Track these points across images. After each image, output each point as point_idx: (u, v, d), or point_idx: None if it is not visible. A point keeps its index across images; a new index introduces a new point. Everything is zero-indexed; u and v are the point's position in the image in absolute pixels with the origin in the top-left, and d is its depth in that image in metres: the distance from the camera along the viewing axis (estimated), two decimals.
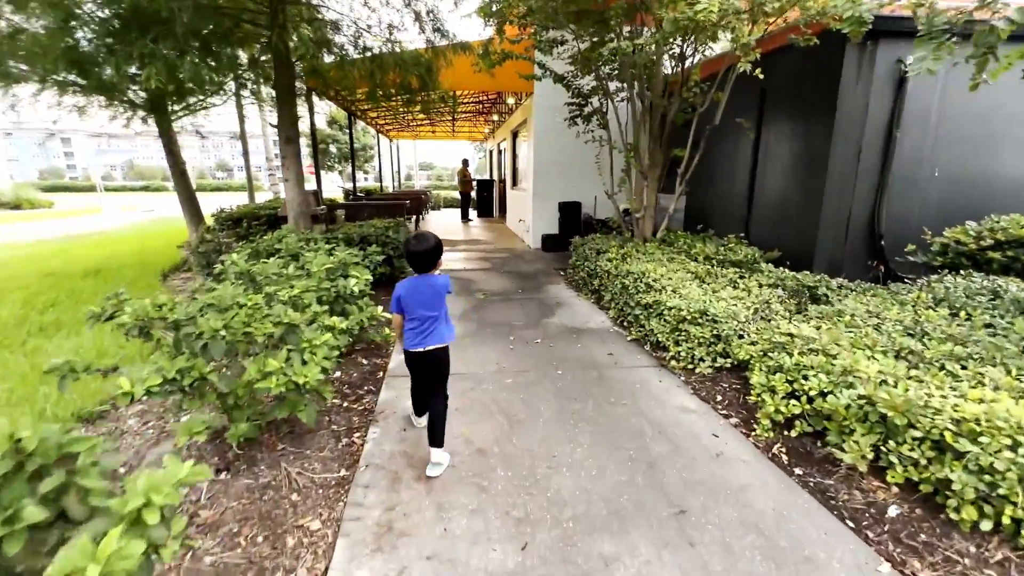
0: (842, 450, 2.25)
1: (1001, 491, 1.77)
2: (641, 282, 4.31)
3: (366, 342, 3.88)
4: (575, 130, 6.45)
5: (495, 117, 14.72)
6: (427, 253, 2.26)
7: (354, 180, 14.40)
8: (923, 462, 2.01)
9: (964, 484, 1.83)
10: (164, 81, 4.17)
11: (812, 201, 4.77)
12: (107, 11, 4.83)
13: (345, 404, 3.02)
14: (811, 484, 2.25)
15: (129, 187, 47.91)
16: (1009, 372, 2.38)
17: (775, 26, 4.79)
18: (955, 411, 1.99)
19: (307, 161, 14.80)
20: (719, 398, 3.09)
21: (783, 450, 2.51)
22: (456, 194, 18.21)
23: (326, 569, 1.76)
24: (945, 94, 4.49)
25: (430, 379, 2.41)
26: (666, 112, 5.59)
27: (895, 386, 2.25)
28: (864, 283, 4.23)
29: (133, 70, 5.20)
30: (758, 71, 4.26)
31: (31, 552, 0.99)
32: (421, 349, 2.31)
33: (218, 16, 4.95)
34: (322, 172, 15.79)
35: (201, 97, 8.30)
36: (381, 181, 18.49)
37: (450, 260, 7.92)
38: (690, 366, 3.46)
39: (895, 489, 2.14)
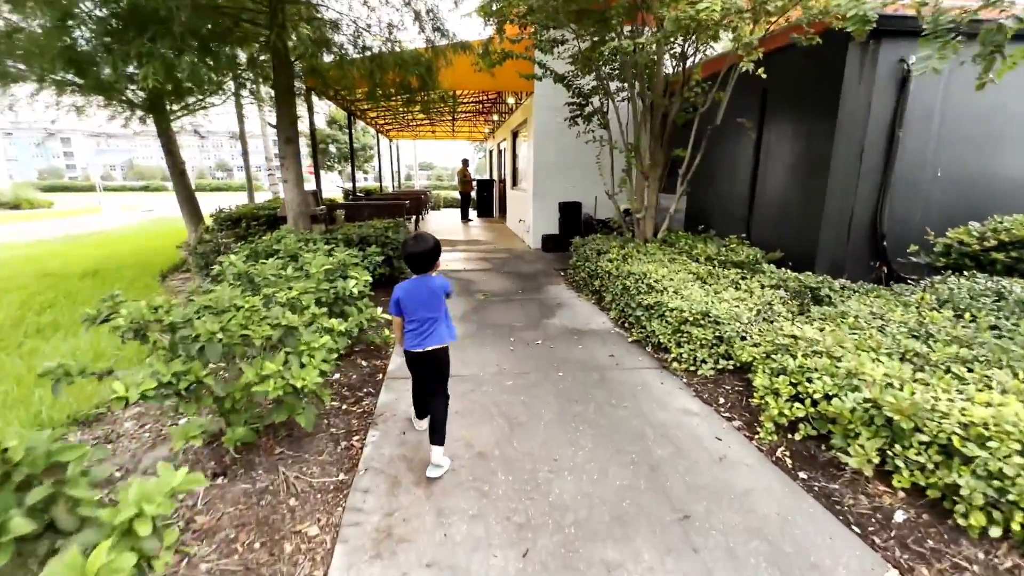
0: (847, 454, 2.22)
1: (1010, 497, 1.75)
2: (642, 283, 4.28)
3: (365, 343, 3.85)
4: (575, 130, 6.43)
5: (495, 117, 14.69)
6: (425, 254, 2.26)
7: (353, 180, 14.36)
8: (930, 467, 1.98)
9: (972, 489, 1.80)
10: (162, 80, 4.14)
11: (814, 201, 4.74)
12: (105, 10, 4.80)
13: (344, 406, 2.99)
14: (816, 488, 2.22)
15: (129, 187, 47.86)
16: (1016, 375, 2.35)
17: (777, 25, 4.76)
18: (963, 415, 1.96)
19: (307, 161, 14.77)
20: (722, 400, 3.06)
21: (787, 453, 2.49)
22: (456, 194, 18.18)
23: None
24: (948, 94, 4.47)
25: (430, 379, 2.42)
26: (667, 112, 5.56)
27: (901, 389, 2.22)
28: (867, 284, 4.21)
29: (131, 69, 5.18)
30: (760, 70, 4.24)
31: (19, 564, 0.96)
32: (421, 350, 2.31)
33: (216, 15, 4.91)
34: (322, 172, 15.76)
35: (200, 97, 8.26)
36: (381, 181, 18.45)
37: (450, 260, 7.89)
38: (692, 368, 3.43)
39: (901, 494, 2.11)
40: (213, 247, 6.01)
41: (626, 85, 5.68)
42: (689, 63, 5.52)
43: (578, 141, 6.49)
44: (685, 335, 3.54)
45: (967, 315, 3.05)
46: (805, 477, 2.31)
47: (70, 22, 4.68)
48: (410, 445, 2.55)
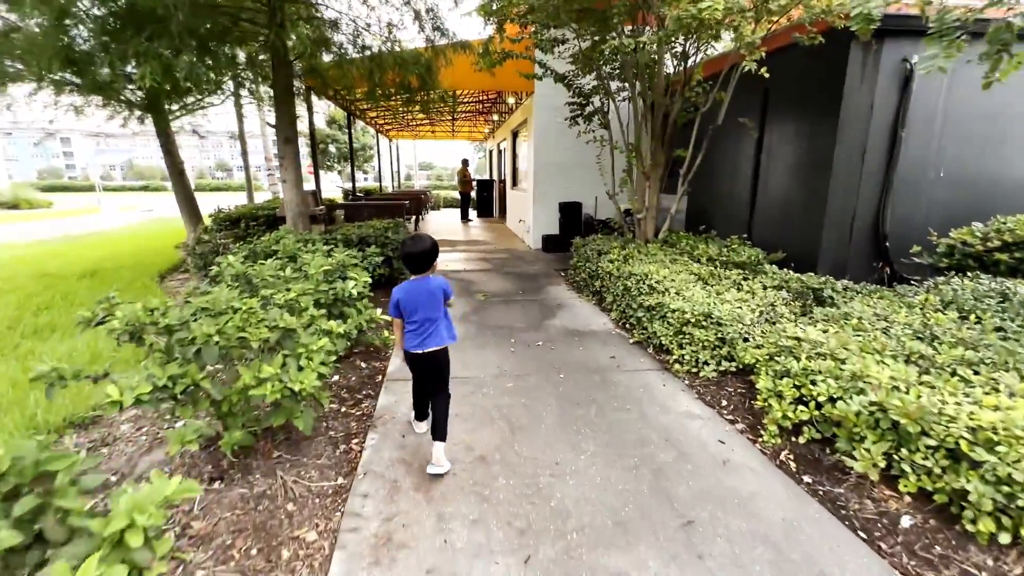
0: (852, 458, 2.19)
1: (1020, 503, 1.72)
2: (644, 284, 4.25)
3: (365, 345, 3.82)
4: (576, 130, 6.39)
5: (495, 117, 14.66)
6: (423, 254, 2.28)
7: (353, 180, 14.33)
8: (937, 471, 1.95)
9: (981, 495, 1.77)
10: (160, 80, 4.10)
11: (816, 202, 4.71)
12: (102, 9, 4.77)
13: (343, 409, 2.96)
14: (821, 493, 2.19)
15: (128, 187, 47.79)
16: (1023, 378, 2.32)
17: (778, 25, 4.73)
18: (971, 419, 1.93)
19: (306, 161, 14.74)
20: (724, 403, 3.03)
21: (791, 457, 2.46)
22: (456, 194, 18.15)
23: None
24: (950, 93, 4.44)
25: (431, 380, 2.44)
26: (668, 112, 5.53)
27: (907, 392, 2.20)
28: (869, 285, 4.18)
29: (129, 69, 5.15)
30: (763, 70, 4.21)
31: None
32: (421, 351, 2.32)
33: (215, 14, 4.88)
34: (321, 172, 15.73)
35: (199, 97, 8.24)
36: (380, 181, 18.41)
37: (450, 261, 7.86)
38: (694, 370, 3.41)
39: (908, 499, 2.08)
40: (212, 247, 5.98)
41: (627, 85, 5.65)
42: (690, 62, 5.49)
43: (578, 141, 6.46)
44: (687, 337, 3.51)
45: (972, 317, 3.03)
46: (810, 481, 2.28)
47: (67, 21, 4.65)
48: (410, 448, 2.52)
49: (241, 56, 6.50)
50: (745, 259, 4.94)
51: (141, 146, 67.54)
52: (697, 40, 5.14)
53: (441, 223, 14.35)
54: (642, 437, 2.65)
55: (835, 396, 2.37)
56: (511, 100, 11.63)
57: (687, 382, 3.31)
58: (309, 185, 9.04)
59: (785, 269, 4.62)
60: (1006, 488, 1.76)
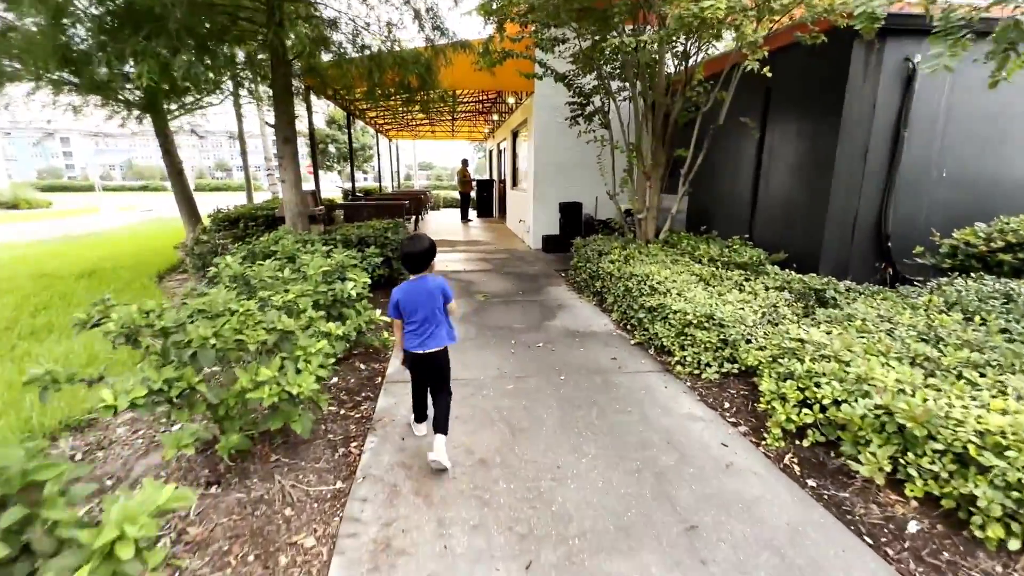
0: (858, 462, 2.16)
1: None
2: (645, 285, 4.23)
3: (364, 346, 3.79)
4: (576, 130, 6.37)
5: (495, 117, 14.63)
6: (421, 254, 2.31)
7: (353, 180, 14.28)
8: (944, 476, 1.92)
9: (990, 501, 1.74)
10: (157, 79, 4.07)
11: (818, 202, 4.68)
12: (100, 8, 4.73)
13: (342, 411, 2.93)
14: (826, 497, 2.16)
15: (128, 187, 47.75)
16: None
17: (780, 24, 4.70)
18: (979, 423, 1.90)
19: (305, 161, 14.70)
20: (727, 405, 3.00)
21: (795, 460, 2.43)
22: (456, 194, 18.11)
23: None
24: (953, 93, 4.41)
25: (431, 380, 2.46)
26: (669, 111, 5.50)
27: (912, 395, 2.17)
28: (872, 285, 4.15)
29: (127, 68, 5.11)
30: (766, 69, 4.18)
31: None
32: (422, 352, 2.34)
33: (213, 13, 4.85)
34: (321, 172, 15.69)
35: (197, 96, 8.20)
36: (380, 181, 18.38)
37: (450, 261, 7.83)
38: (696, 371, 3.38)
39: (914, 503, 2.05)
40: (210, 248, 5.95)
41: (627, 84, 5.62)
42: (691, 62, 5.46)
43: (579, 141, 6.43)
44: (689, 338, 3.48)
45: (976, 318, 3.00)
46: (814, 485, 2.25)
47: (65, 20, 4.61)
48: (409, 451, 2.50)
49: (240, 55, 6.46)
50: (747, 260, 4.91)
51: (141, 146, 67.46)
52: (698, 39, 5.12)
53: (441, 223, 14.32)
54: (644, 440, 2.62)
55: (840, 399, 2.34)
56: (511, 100, 11.60)
57: (689, 384, 3.29)
58: (308, 185, 9.01)
59: (787, 270, 4.60)
60: (1015, 494, 1.73)
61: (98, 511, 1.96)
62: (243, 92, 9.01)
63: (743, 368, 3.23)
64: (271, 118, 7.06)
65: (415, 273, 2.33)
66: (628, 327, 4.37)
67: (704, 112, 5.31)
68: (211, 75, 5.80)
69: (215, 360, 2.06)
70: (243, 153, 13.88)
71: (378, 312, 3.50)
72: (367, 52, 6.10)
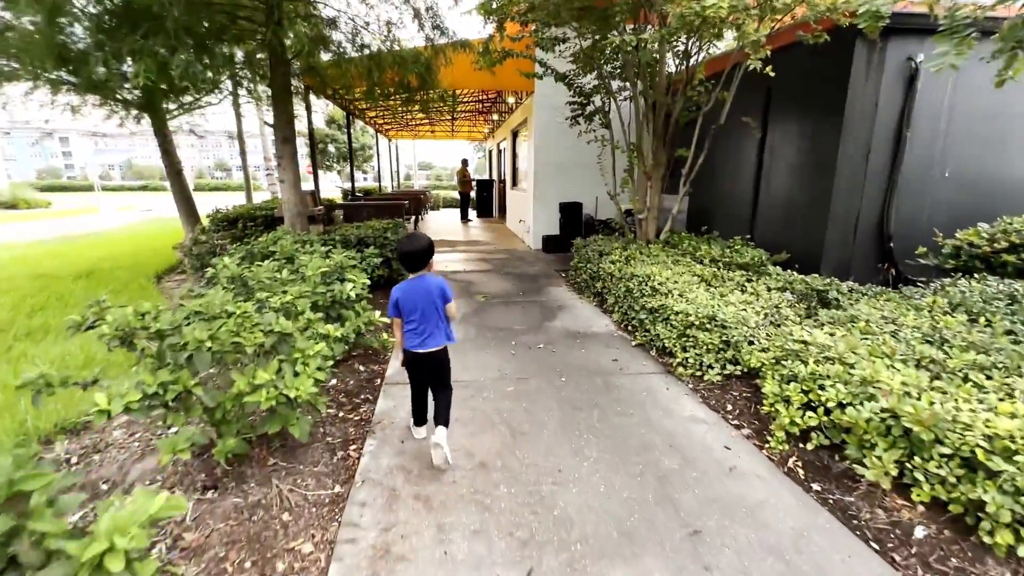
0: (863, 465, 2.13)
1: None
2: (646, 285, 4.20)
3: (363, 348, 3.76)
4: (576, 129, 6.34)
5: (495, 116, 14.60)
6: (419, 252, 2.31)
7: (352, 180, 14.24)
8: (952, 480, 1.89)
9: (999, 506, 1.71)
10: (154, 78, 4.04)
11: (820, 202, 4.66)
12: (97, 6, 4.70)
13: (341, 414, 2.90)
14: (831, 501, 2.14)
15: (127, 187, 47.66)
16: None
17: (782, 23, 4.68)
18: (987, 427, 1.87)
19: (305, 161, 14.66)
20: (729, 407, 2.98)
21: (799, 464, 2.40)
22: (455, 194, 18.08)
23: None
24: (956, 93, 4.39)
25: (431, 380, 2.46)
26: (670, 111, 5.48)
27: (918, 398, 2.14)
28: (874, 286, 4.13)
29: (125, 67, 5.08)
30: (768, 69, 4.15)
31: None
32: (423, 351, 2.34)
33: (211, 12, 4.82)
34: (320, 172, 15.66)
35: (196, 96, 8.16)
36: (380, 181, 18.35)
37: (449, 261, 7.80)
38: (698, 373, 3.35)
39: (921, 508, 2.02)
40: (209, 248, 5.92)
41: (628, 84, 5.59)
42: (692, 61, 5.43)
43: (579, 141, 6.40)
44: (691, 339, 3.45)
45: (981, 320, 2.97)
46: (819, 489, 2.22)
47: (62, 19, 4.58)
48: (409, 454, 2.47)
49: (238, 54, 6.43)
50: (748, 260, 4.88)
51: (140, 146, 67.35)
52: (699, 38, 5.08)
53: (441, 223, 14.29)
54: (646, 442, 2.59)
55: (845, 402, 2.32)
56: (511, 100, 11.57)
57: (691, 386, 3.26)
58: (308, 185, 8.98)
59: (789, 270, 4.57)
60: None
61: (93, 516, 1.93)
62: (242, 92, 8.98)
63: (746, 370, 3.21)
64: (270, 118, 7.03)
65: (413, 272, 2.34)
66: (629, 328, 4.34)
67: (705, 112, 5.29)
68: (209, 74, 5.78)
69: (211, 363, 2.03)
70: (242, 153, 13.85)
71: (377, 313, 3.47)
72: (366, 51, 6.06)
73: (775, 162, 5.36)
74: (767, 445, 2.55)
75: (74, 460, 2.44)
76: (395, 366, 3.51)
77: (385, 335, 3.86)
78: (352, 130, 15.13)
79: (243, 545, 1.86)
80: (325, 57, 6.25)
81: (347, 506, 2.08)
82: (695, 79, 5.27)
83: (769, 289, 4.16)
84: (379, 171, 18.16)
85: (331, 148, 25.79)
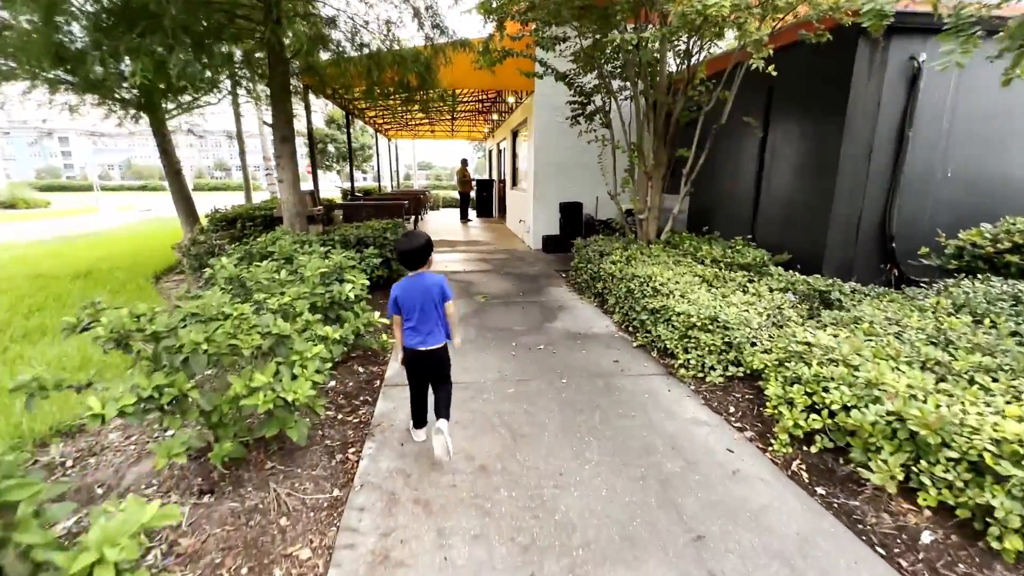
0: (868, 469, 2.11)
1: None
2: (648, 286, 4.17)
3: (362, 349, 3.73)
4: (577, 129, 6.31)
5: (495, 116, 14.57)
6: (417, 251, 2.31)
7: (352, 180, 14.20)
8: (959, 485, 1.87)
9: (1008, 511, 1.69)
10: (152, 77, 4.01)
11: (821, 202, 4.63)
12: (94, 5, 4.67)
13: (339, 416, 2.87)
14: (836, 505, 2.11)
15: (127, 186, 47.58)
16: None
17: (784, 22, 4.65)
18: (995, 430, 1.84)
19: (304, 161, 14.62)
20: (732, 409, 2.95)
21: (803, 467, 2.37)
22: (455, 194, 18.05)
23: None
24: (958, 92, 4.36)
25: (431, 378, 2.45)
26: (671, 111, 5.45)
27: (924, 401, 2.11)
28: (877, 287, 4.10)
29: (123, 67, 5.05)
30: (771, 68, 4.12)
31: None
32: (424, 348, 2.33)
33: (209, 10, 4.78)
34: (320, 172, 15.62)
35: (195, 96, 8.13)
36: (379, 181, 18.31)
37: (449, 261, 7.77)
38: (700, 375, 3.32)
39: (928, 513, 2.00)
40: (207, 248, 5.88)
41: (629, 83, 5.57)
42: (693, 61, 5.40)
43: (579, 140, 6.38)
44: (693, 340, 3.43)
45: (986, 321, 2.95)
46: (823, 493, 2.19)
47: (59, 18, 4.55)
48: (409, 457, 2.44)
49: (237, 54, 6.39)
50: (750, 260, 4.86)
51: (139, 145, 67.26)
52: (701, 37, 5.06)
53: (440, 223, 14.26)
54: (648, 445, 2.57)
55: (849, 404, 2.29)
56: (511, 99, 11.54)
57: (693, 387, 3.23)
58: (307, 185, 8.95)
59: (790, 271, 4.54)
60: None
61: (87, 521, 1.90)
62: (241, 91, 8.95)
63: (748, 372, 3.18)
64: (269, 117, 7.00)
65: (412, 270, 2.34)
66: (630, 329, 4.31)
67: (706, 111, 5.26)
68: (208, 74, 5.75)
69: (208, 365, 2.00)
70: (241, 153, 13.82)
71: (377, 314, 3.44)
72: (366, 50, 6.03)
73: (777, 162, 5.33)
74: (770, 448, 2.52)
75: (69, 463, 2.41)
76: (394, 367, 3.48)
77: (385, 336, 3.83)
78: (351, 130, 15.09)
79: (240, 551, 1.84)
80: (324, 56, 6.22)
81: (346, 510, 2.05)
82: (696, 78, 5.25)
83: (771, 290, 4.13)
84: (379, 171, 18.12)
85: (330, 148, 25.76)
